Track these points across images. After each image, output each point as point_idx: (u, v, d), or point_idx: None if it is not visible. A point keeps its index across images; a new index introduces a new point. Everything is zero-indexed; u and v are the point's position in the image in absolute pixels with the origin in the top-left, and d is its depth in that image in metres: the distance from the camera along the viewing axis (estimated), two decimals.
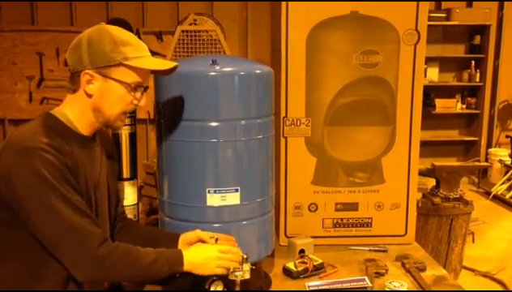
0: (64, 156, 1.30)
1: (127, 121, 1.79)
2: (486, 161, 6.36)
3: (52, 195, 1.25)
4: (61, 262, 1.31)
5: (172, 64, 1.44)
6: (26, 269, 1.33)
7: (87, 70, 1.34)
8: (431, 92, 6.18)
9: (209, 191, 1.61)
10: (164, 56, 5.15)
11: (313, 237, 2.09)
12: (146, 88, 1.43)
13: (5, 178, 1.26)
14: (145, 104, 1.43)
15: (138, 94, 1.40)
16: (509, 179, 5.79)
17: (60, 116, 1.38)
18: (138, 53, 1.37)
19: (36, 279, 1.33)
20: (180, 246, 1.54)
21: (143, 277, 1.42)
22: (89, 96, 1.37)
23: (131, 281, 1.47)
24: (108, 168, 1.55)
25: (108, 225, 1.54)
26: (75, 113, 1.39)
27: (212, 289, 1.48)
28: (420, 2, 2.06)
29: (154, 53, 5.56)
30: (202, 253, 1.46)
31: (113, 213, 1.60)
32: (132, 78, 1.37)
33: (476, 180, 6.34)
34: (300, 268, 1.86)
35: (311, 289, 1.75)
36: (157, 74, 1.51)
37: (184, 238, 1.56)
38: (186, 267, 1.41)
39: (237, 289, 1.50)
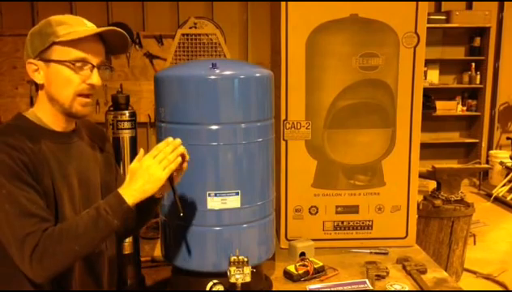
0: (19, 153, 1.26)
1: (126, 125, 1.78)
2: (487, 162, 6.36)
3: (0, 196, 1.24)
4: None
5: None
6: (8, 267, 1.30)
7: (29, 60, 1.34)
8: (431, 95, 6.19)
9: (209, 195, 1.61)
10: (164, 59, 5.17)
11: (313, 240, 2.10)
12: (101, 66, 1.36)
13: None
14: (100, 82, 1.34)
15: (85, 72, 1.32)
16: (510, 181, 5.78)
17: (28, 114, 1.38)
18: (72, 28, 1.31)
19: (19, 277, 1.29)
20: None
21: (98, 240, 1.32)
22: (42, 87, 1.36)
23: (89, 251, 1.33)
24: (102, 163, 1.52)
25: None
26: (40, 108, 1.38)
27: (214, 289, 1.48)
28: (420, 5, 2.06)
29: (154, 57, 5.70)
30: (136, 173, 1.34)
31: None
32: (71, 55, 1.31)
33: (477, 182, 6.35)
34: (300, 271, 1.86)
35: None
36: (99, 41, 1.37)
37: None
38: (131, 197, 1.31)
39: None
